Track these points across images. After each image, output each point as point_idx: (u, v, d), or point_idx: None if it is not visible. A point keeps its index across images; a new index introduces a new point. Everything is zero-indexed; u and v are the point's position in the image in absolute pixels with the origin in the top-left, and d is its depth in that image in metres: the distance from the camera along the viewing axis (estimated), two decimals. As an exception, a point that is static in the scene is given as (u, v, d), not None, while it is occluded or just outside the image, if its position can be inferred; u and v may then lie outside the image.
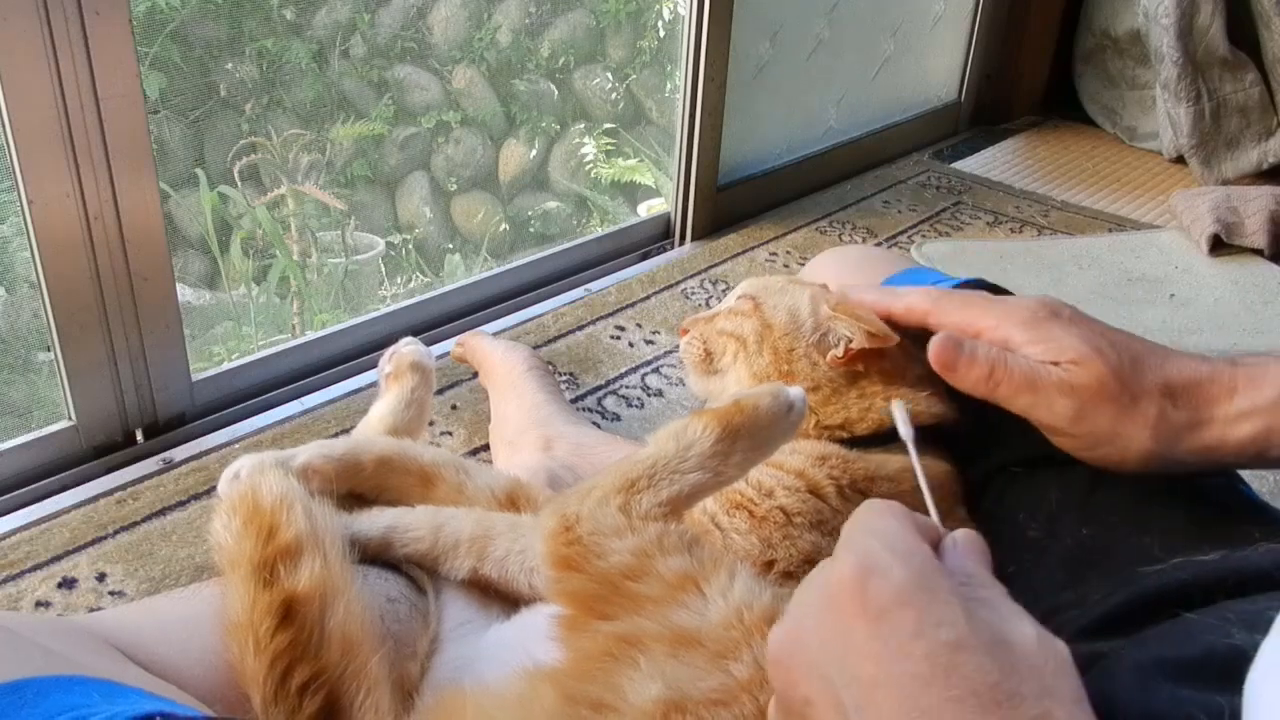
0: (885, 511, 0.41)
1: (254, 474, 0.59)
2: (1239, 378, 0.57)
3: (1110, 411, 0.57)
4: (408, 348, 0.91)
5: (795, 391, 0.60)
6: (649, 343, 1.43)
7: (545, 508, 0.55)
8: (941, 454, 0.68)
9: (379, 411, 0.88)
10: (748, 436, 0.57)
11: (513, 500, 0.68)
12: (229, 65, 1.89)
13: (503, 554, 0.61)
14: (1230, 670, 0.42)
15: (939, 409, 0.67)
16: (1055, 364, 0.59)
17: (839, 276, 0.87)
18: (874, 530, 0.40)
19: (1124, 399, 0.57)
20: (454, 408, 1.24)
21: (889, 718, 0.34)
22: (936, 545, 0.41)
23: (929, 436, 0.67)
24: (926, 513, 0.63)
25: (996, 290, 0.78)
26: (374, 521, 0.63)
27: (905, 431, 0.55)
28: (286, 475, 0.60)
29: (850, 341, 0.66)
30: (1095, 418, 0.58)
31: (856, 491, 0.63)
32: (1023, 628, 0.37)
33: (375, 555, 0.63)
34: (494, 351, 1.20)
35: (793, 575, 0.59)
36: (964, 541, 0.42)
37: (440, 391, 1.27)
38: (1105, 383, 0.57)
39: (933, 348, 0.61)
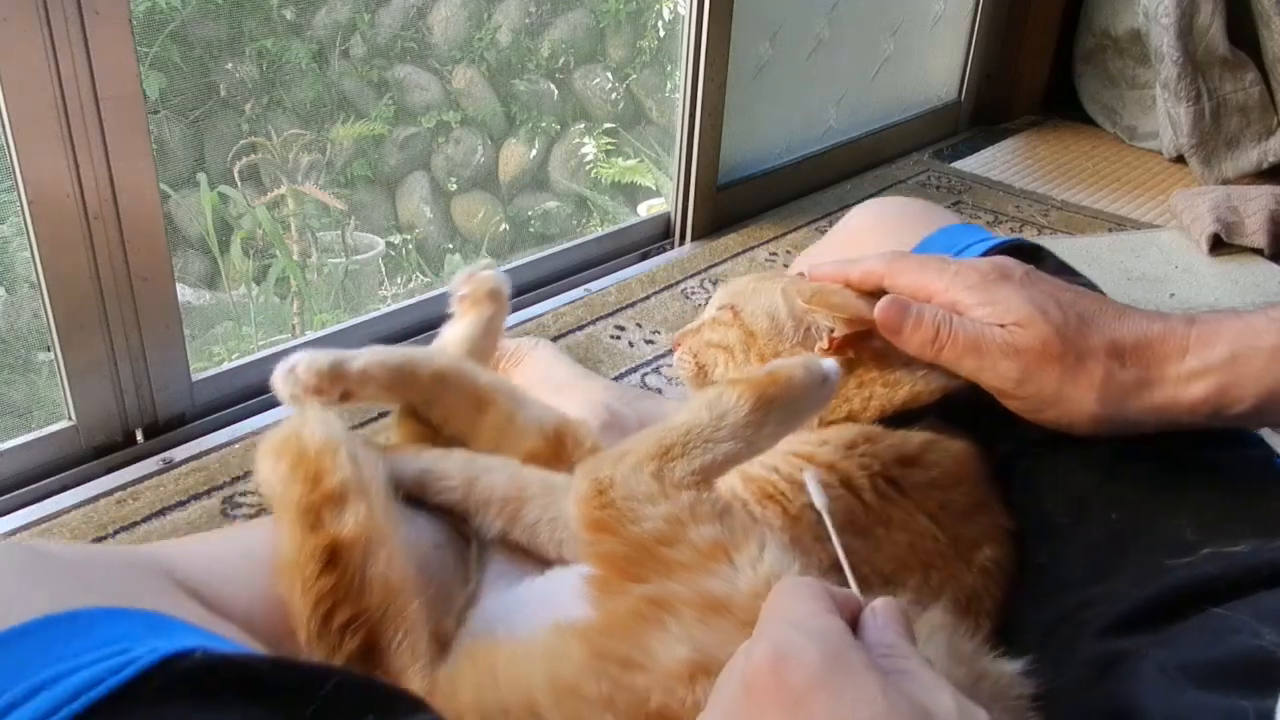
0: (798, 592, 0.40)
1: (298, 416, 0.59)
2: (1191, 336, 0.57)
3: (1054, 373, 0.57)
4: (486, 272, 0.85)
5: (829, 364, 0.59)
6: (649, 343, 1.43)
7: (577, 470, 0.55)
8: (958, 431, 0.66)
9: (452, 336, 0.83)
10: (781, 408, 0.57)
11: (560, 439, 0.67)
12: (229, 65, 1.89)
13: (533, 520, 0.60)
14: (1257, 672, 0.41)
15: (940, 383, 0.66)
16: (1001, 326, 0.59)
17: (873, 233, 0.85)
18: (786, 614, 0.39)
19: (1068, 359, 0.57)
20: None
21: None
22: (857, 618, 0.40)
23: (939, 412, 0.66)
24: (960, 511, 0.63)
25: (1035, 250, 0.77)
26: (410, 462, 0.63)
27: (820, 502, 0.52)
28: (329, 418, 0.59)
29: (832, 332, 0.66)
30: (1040, 380, 0.58)
31: (890, 483, 0.62)
32: (943, 698, 0.36)
33: (409, 495, 0.62)
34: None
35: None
36: (883, 611, 0.40)
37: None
38: (1048, 344, 0.57)
39: (878, 311, 0.62)
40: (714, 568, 0.48)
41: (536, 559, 0.62)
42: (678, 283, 1.61)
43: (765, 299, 0.71)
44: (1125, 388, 0.57)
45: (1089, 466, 0.61)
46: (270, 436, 0.59)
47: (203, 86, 1.86)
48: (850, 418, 0.66)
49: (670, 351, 1.40)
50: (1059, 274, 0.74)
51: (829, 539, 0.49)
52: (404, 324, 1.43)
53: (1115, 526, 0.58)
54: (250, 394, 1.26)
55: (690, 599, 0.47)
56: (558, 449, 0.67)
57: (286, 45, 1.95)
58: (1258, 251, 1.76)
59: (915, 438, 0.64)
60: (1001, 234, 1.88)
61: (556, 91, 2.32)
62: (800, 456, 0.63)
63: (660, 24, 2.23)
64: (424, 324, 1.46)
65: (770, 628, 0.38)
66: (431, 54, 2.18)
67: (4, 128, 0.98)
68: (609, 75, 2.32)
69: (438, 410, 0.67)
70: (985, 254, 0.75)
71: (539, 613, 0.54)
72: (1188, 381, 0.56)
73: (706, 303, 1.53)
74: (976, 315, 0.60)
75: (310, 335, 1.38)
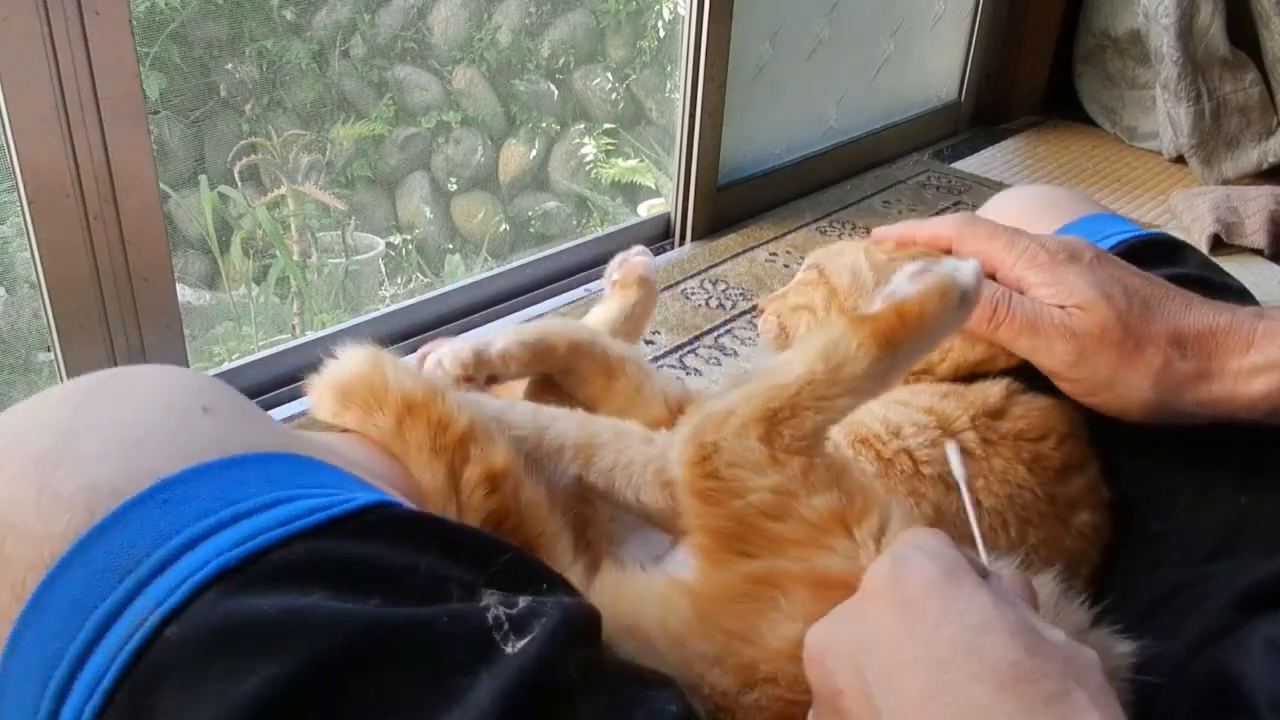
0: (926, 530, 0.43)
1: (363, 359, 0.57)
2: (1259, 331, 0.56)
3: (1111, 358, 0.57)
4: (639, 258, 0.86)
5: (966, 273, 0.52)
6: (649, 343, 1.43)
7: (680, 430, 0.52)
8: (1048, 391, 0.65)
9: (598, 318, 0.85)
10: (910, 348, 0.50)
11: (682, 409, 0.67)
12: (229, 65, 1.89)
13: (608, 466, 0.60)
14: None
15: None
16: (1062, 307, 0.58)
17: (1018, 217, 0.83)
18: (910, 540, 0.42)
19: (1127, 345, 0.57)
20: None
21: (912, 699, 0.36)
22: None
23: (1026, 374, 0.65)
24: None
25: (1179, 247, 0.75)
26: (481, 409, 0.62)
27: (959, 472, 0.51)
28: (406, 364, 0.59)
29: None
30: (1095, 363, 0.57)
31: (991, 430, 0.60)
32: (1053, 630, 0.38)
33: None
34: None
35: None
36: (1009, 578, 0.42)
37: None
38: (1108, 329, 0.57)
39: None
40: (830, 542, 0.45)
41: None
42: (678, 283, 1.61)
43: (849, 257, 0.71)
44: (1183, 377, 0.56)
45: (1223, 450, 0.60)
46: (338, 384, 0.57)
47: (203, 86, 1.86)
48: (928, 369, 0.66)
49: (670, 352, 1.40)
50: (1203, 271, 0.74)
51: (963, 509, 0.47)
52: (404, 324, 1.43)
53: (1242, 509, 0.58)
54: (250, 394, 1.26)
55: (802, 576, 0.44)
56: (679, 418, 0.67)
57: (286, 45, 1.95)
58: (1258, 252, 1.76)
59: (994, 389, 0.63)
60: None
61: (556, 91, 2.32)
62: (896, 401, 0.61)
63: (660, 24, 2.23)
64: (424, 324, 1.46)
65: (895, 547, 0.41)
66: (431, 54, 2.18)
67: (4, 128, 0.98)
68: (609, 75, 2.32)
69: (572, 378, 0.69)
70: (1124, 244, 0.74)
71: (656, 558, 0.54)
72: (1249, 376, 0.55)
73: (706, 303, 1.54)
74: (1040, 294, 0.59)
75: (310, 335, 1.38)
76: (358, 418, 0.56)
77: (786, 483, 0.47)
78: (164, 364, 0.57)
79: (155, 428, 0.43)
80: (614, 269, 0.87)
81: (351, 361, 0.57)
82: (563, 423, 0.61)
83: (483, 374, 0.68)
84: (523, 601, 0.41)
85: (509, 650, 0.39)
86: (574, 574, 0.51)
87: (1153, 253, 0.72)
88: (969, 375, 0.65)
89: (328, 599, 0.38)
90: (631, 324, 0.85)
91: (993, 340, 0.61)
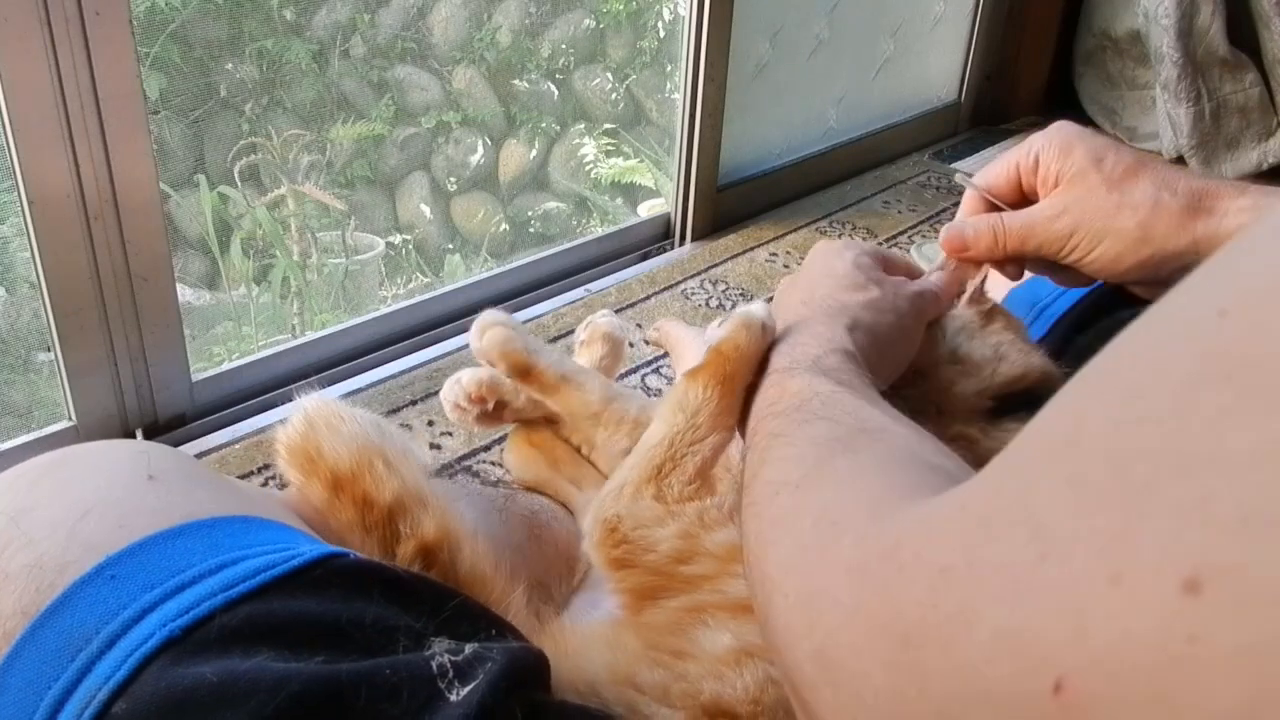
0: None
1: (307, 428, 0.58)
2: (1250, 188, 0.58)
3: (1098, 204, 0.59)
4: (603, 319, 0.93)
5: (755, 307, 0.61)
6: (649, 343, 1.43)
7: (587, 518, 0.57)
8: None
9: None
10: (743, 375, 0.58)
11: None
12: (229, 65, 1.89)
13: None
14: None
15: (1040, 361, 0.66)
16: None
17: None
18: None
19: (1114, 186, 0.59)
20: (454, 408, 1.24)
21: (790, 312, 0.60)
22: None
23: (1026, 404, 0.64)
24: None
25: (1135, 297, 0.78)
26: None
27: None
28: (346, 428, 0.59)
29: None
30: (1086, 217, 0.60)
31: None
32: (906, 287, 0.58)
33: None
34: (684, 338, 1.23)
35: None
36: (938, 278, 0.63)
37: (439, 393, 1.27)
38: (1089, 177, 0.60)
39: (943, 241, 0.67)
40: (735, 569, 0.50)
41: None
42: (678, 283, 1.61)
43: None
44: (1172, 214, 0.58)
45: None
46: (286, 446, 0.58)
47: (203, 86, 1.85)
48: (980, 384, 0.66)
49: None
50: None
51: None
52: (404, 324, 1.43)
53: None
54: (250, 394, 1.26)
55: (720, 603, 0.49)
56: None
57: (286, 45, 1.95)
58: (1258, 252, 1.76)
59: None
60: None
61: (556, 92, 2.32)
62: None
63: (660, 25, 2.23)
64: (424, 324, 1.46)
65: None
66: (431, 54, 2.18)
67: (4, 128, 0.98)
68: (609, 76, 2.32)
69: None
70: (1078, 301, 0.77)
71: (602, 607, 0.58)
72: (1237, 215, 0.56)
73: (707, 303, 1.53)
74: (1047, 156, 0.63)
75: (310, 335, 1.38)
76: (299, 482, 0.58)
77: (687, 527, 0.53)
78: (114, 439, 0.59)
79: (100, 501, 0.44)
80: (580, 330, 0.93)
81: (294, 423, 0.59)
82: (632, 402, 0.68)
83: (494, 398, 0.72)
84: (469, 649, 0.41)
85: (453, 698, 0.39)
86: (525, 632, 0.52)
87: (1109, 302, 0.74)
88: (1007, 394, 0.66)
89: (273, 659, 0.39)
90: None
91: (1017, 257, 0.64)
